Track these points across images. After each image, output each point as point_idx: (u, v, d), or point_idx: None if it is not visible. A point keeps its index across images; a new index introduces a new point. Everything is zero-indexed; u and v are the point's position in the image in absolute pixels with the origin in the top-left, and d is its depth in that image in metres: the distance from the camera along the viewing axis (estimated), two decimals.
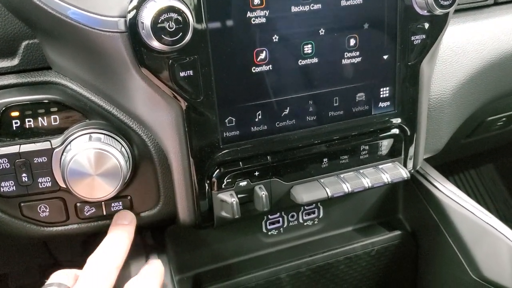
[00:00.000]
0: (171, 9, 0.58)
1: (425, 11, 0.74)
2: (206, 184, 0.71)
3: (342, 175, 0.79)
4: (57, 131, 0.67)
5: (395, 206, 1.00)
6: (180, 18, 0.59)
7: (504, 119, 1.18)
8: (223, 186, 0.72)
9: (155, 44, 0.60)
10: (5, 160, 0.65)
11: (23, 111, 0.66)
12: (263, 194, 0.72)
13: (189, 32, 0.60)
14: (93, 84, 0.69)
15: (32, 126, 0.66)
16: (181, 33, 0.60)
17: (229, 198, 0.71)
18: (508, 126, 1.25)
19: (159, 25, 0.58)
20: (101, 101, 0.69)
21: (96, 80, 0.68)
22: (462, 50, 0.89)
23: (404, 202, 0.99)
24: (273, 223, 0.91)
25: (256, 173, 0.73)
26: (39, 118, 0.66)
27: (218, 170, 0.71)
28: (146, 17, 0.59)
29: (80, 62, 0.68)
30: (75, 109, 0.68)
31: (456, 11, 0.93)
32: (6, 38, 0.69)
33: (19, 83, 0.69)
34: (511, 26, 0.95)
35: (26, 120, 0.66)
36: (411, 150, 0.83)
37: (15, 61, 0.70)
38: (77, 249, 0.97)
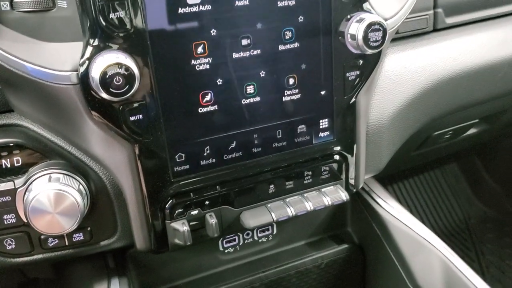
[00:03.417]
0: (118, 65, 0.65)
1: (358, 51, 0.81)
2: (159, 215, 0.78)
3: (287, 199, 0.86)
4: (20, 170, 0.74)
5: (344, 220, 1.08)
6: (126, 72, 0.65)
7: (450, 132, 1.27)
8: (175, 216, 0.79)
9: (104, 95, 0.66)
10: None
11: None
12: (213, 221, 0.79)
13: (136, 83, 0.66)
14: (52, 126, 0.75)
15: None
16: (128, 86, 0.66)
17: (181, 227, 0.78)
18: (456, 138, 1.34)
19: (107, 79, 0.65)
20: (60, 142, 0.75)
21: (54, 123, 0.74)
22: (399, 78, 0.96)
23: (352, 216, 1.07)
24: (229, 241, 0.98)
25: (207, 202, 0.80)
26: (3, 160, 0.73)
27: (170, 202, 0.78)
28: (95, 71, 0.65)
29: (39, 108, 0.74)
30: (36, 150, 0.74)
31: (397, 39, 1.00)
32: None
33: None
34: (448, 52, 1.02)
35: None
36: (352, 173, 0.91)
37: None
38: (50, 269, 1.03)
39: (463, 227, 2.06)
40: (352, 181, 0.91)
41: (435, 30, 1.05)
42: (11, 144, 0.73)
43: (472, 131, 1.35)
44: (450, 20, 1.05)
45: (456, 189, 2.13)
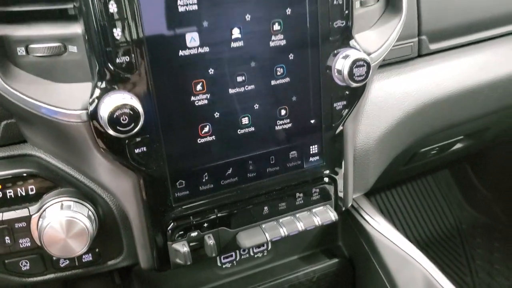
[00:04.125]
0: (125, 106, 0.71)
1: (344, 83, 0.87)
2: (162, 237, 0.85)
3: (280, 220, 0.93)
4: (34, 198, 0.80)
5: (335, 235, 1.15)
6: (131, 112, 0.72)
7: (437, 148, 1.34)
8: (176, 238, 0.85)
9: (111, 132, 0.72)
10: None
11: (4, 184, 0.79)
12: (211, 242, 0.86)
13: (140, 121, 0.73)
14: (63, 156, 0.82)
15: (12, 196, 0.79)
16: (133, 124, 0.72)
17: (182, 248, 0.85)
18: (443, 153, 1.41)
19: (114, 118, 0.71)
20: (70, 171, 0.82)
21: (65, 154, 0.81)
22: (385, 104, 1.03)
23: (343, 232, 1.14)
24: (227, 257, 1.05)
25: (205, 224, 0.87)
26: (18, 189, 0.79)
27: (171, 225, 0.84)
28: (104, 111, 0.71)
29: (51, 141, 0.80)
30: (48, 179, 0.81)
31: (382, 65, 1.07)
32: None
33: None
34: (431, 77, 1.09)
35: (7, 191, 0.79)
36: (340, 194, 0.97)
37: None
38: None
39: (454, 232, 2.13)
40: (341, 201, 0.98)
41: (420, 56, 1.12)
42: (25, 174, 0.80)
43: (458, 146, 1.42)
44: (434, 46, 1.12)
45: (448, 195, 2.19)
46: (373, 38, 0.91)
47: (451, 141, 1.33)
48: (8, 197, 0.79)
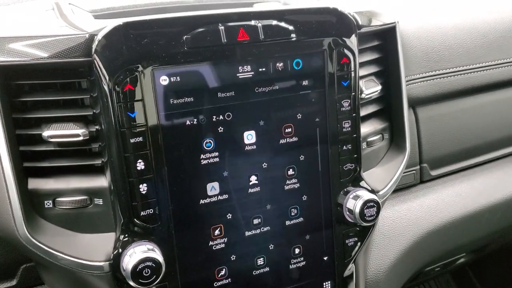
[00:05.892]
0: (148, 259, 0.73)
1: (355, 221, 0.90)
2: None
3: None
4: None
5: None
6: (154, 265, 0.73)
7: (441, 265, 1.35)
8: None
9: (133, 283, 0.73)
10: None
11: None
12: None
13: (162, 272, 0.74)
14: None
15: None
16: (154, 276, 0.74)
17: None
18: (447, 268, 1.42)
19: (137, 272, 0.72)
20: None
21: None
22: (392, 233, 1.06)
23: None
24: None
25: None
26: None
27: None
28: (127, 264, 0.73)
29: (69, 286, 0.81)
30: None
31: None
32: (7, 264, 0.82)
33: None
34: (434, 204, 1.13)
35: None
36: None
37: (14, 282, 0.83)
38: None
39: None
40: None
41: (422, 182, 1.17)
42: None
43: (461, 260, 1.44)
44: (435, 173, 1.17)
45: None
46: (380, 175, 0.96)
47: (454, 259, 1.35)
48: None
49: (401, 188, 1.14)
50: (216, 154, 0.78)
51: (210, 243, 0.81)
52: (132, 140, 0.72)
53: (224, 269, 0.83)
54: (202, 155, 0.77)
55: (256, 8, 0.93)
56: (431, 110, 1.14)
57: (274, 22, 0.78)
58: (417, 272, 1.25)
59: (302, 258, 0.89)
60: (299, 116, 0.83)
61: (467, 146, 1.20)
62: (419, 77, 1.08)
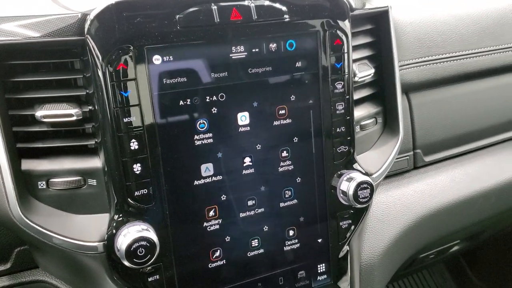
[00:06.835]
0: (142, 238, 0.73)
1: (348, 203, 0.91)
2: None
3: None
4: None
5: None
6: (148, 244, 0.73)
7: (435, 253, 1.36)
8: None
9: (127, 263, 0.73)
10: None
11: None
12: None
13: (156, 252, 0.74)
14: (74, 283, 0.82)
15: None
16: (149, 255, 0.74)
17: None
18: (441, 256, 1.43)
19: (131, 251, 0.72)
20: None
21: (77, 281, 0.82)
22: (386, 218, 1.06)
23: None
24: None
25: None
26: None
27: None
28: (121, 244, 0.73)
29: (64, 268, 0.81)
30: None
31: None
32: (1, 247, 0.82)
33: (11, 285, 0.81)
34: (427, 189, 1.14)
35: None
36: None
37: (7, 265, 0.83)
38: None
39: None
40: None
41: (416, 167, 1.17)
42: None
43: (455, 248, 1.44)
44: (428, 159, 1.18)
45: (443, 286, 2.18)
46: (373, 159, 0.96)
47: (448, 246, 1.36)
48: None
49: (395, 174, 1.14)
50: (210, 135, 0.79)
51: (205, 224, 0.81)
52: (125, 120, 0.72)
53: (218, 250, 0.83)
54: (196, 135, 0.77)
55: None
56: (425, 96, 1.14)
57: (267, 3, 0.78)
58: (412, 258, 1.25)
59: (296, 240, 0.90)
60: (292, 97, 0.84)
61: (460, 132, 1.20)
62: (412, 62, 1.08)
